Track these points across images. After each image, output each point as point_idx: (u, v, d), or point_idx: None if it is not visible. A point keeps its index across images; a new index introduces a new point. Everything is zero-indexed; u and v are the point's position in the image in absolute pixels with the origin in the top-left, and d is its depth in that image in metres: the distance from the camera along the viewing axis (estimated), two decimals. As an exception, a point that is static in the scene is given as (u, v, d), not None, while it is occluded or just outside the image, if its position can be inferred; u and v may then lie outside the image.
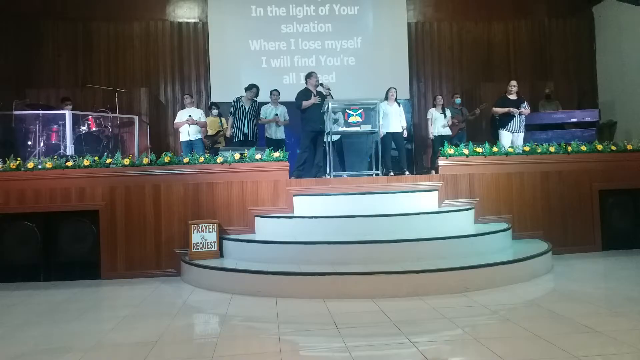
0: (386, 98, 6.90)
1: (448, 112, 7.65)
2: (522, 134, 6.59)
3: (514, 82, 6.72)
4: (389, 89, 6.95)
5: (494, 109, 6.78)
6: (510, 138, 6.50)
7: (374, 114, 6.41)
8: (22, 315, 3.58)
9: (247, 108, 6.80)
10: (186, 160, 5.04)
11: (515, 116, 6.50)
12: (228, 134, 7.03)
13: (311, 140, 6.48)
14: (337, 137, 7.06)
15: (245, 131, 6.76)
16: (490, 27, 9.83)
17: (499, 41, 9.81)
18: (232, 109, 6.88)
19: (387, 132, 6.75)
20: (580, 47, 9.72)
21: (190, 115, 6.93)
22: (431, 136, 7.63)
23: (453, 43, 9.78)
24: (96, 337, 2.98)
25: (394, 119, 6.79)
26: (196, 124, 6.93)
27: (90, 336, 3.01)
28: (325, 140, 6.41)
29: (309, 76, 6.64)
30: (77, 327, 3.25)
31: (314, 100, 6.37)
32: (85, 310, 3.68)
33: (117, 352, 2.76)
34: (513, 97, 6.65)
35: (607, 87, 9.26)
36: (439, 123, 7.54)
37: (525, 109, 6.56)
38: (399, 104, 6.98)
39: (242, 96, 6.89)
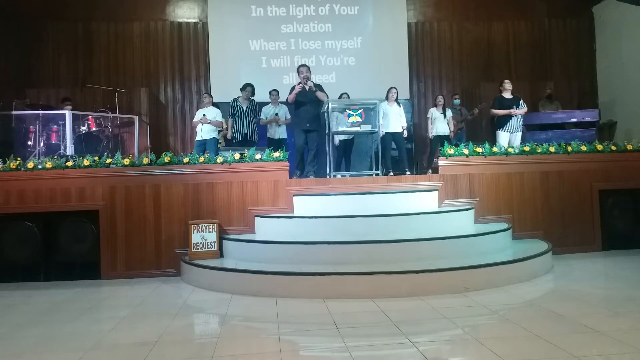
0: (386, 98, 6.86)
1: (449, 112, 7.66)
2: (519, 133, 6.62)
3: (508, 81, 6.79)
4: (390, 88, 6.91)
5: (493, 110, 6.78)
6: (508, 138, 6.52)
7: (374, 114, 6.40)
8: (22, 315, 3.58)
9: (244, 108, 6.83)
10: (186, 160, 5.04)
11: (513, 116, 6.53)
12: (229, 135, 7.03)
13: (304, 140, 6.32)
14: (351, 136, 7.05)
15: (245, 131, 6.77)
16: (490, 27, 9.81)
17: (499, 41, 9.79)
18: (230, 110, 6.91)
19: (386, 132, 6.73)
20: (580, 47, 9.71)
21: (204, 115, 6.93)
22: (430, 136, 7.63)
23: (453, 43, 9.77)
24: (96, 337, 2.98)
25: (393, 119, 6.76)
26: (209, 122, 6.91)
27: (90, 336, 3.01)
28: (327, 140, 6.37)
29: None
30: (77, 327, 3.25)
31: (297, 89, 6.17)
32: (85, 310, 3.68)
33: (117, 352, 2.76)
34: (508, 95, 6.71)
35: (607, 87, 9.25)
36: (438, 123, 7.54)
37: (523, 107, 6.62)
38: (399, 104, 6.94)
39: (239, 97, 6.91)
